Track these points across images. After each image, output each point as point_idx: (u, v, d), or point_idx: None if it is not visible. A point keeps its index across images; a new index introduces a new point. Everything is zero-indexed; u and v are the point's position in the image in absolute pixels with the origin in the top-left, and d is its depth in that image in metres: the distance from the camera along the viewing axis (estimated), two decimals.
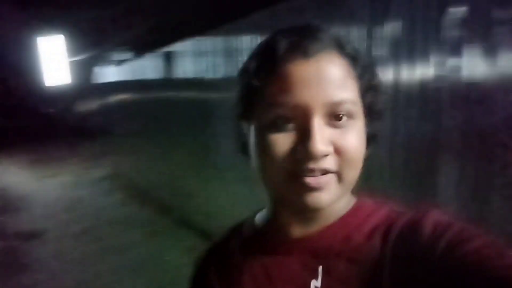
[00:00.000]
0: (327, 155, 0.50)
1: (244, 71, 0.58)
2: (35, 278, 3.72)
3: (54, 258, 4.22)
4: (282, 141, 0.52)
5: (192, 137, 4.29)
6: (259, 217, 0.68)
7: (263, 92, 0.54)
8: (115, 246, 4.33)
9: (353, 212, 0.59)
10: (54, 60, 11.36)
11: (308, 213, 0.57)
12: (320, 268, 0.55)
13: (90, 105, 10.83)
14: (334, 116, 0.52)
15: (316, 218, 0.58)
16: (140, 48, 6.48)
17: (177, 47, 4.90)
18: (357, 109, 0.53)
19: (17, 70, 12.45)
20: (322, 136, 0.50)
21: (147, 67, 5.97)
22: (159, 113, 5.36)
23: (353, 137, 0.52)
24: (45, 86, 11.92)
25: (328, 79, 0.51)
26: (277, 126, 0.52)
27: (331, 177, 0.52)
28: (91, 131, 10.41)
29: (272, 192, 0.60)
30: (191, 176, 4.66)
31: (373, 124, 0.57)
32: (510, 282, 0.40)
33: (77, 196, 6.56)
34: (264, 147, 0.53)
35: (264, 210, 0.67)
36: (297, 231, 0.59)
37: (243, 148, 0.61)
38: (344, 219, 0.58)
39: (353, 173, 0.53)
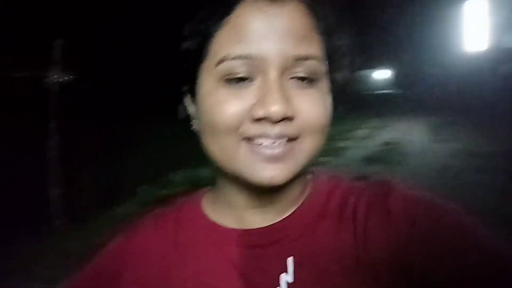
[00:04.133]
0: (286, 118, 0.44)
1: (186, 24, 0.49)
2: None
3: None
4: (235, 100, 0.44)
5: None
6: (207, 203, 0.56)
7: (212, 45, 0.46)
8: None
9: (313, 196, 0.53)
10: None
11: (264, 193, 0.49)
12: (290, 260, 0.49)
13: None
14: (296, 75, 0.45)
15: (275, 203, 0.51)
16: None
17: None
18: (322, 69, 0.47)
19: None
20: (282, 94, 0.43)
21: None
22: None
23: (316, 100, 0.46)
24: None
25: (292, 29, 0.44)
26: (229, 82, 0.45)
27: (290, 146, 0.45)
28: None
29: (223, 167, 0.48)
30: None
31: (335, 90, 0.50)
32: (477, 268, 0.40)
33: (455, 165, 5.90)
34: (214, 107, 0.45)
35: (211, 194, 0.57)
36: (256, 219, 0.51)
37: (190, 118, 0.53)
38: (307, 205, 0.52)
39: (315, 141, 0.47)
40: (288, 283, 0.47)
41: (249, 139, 0.45)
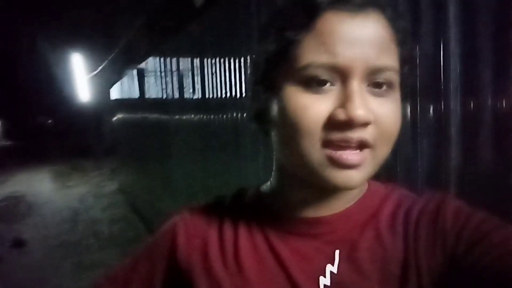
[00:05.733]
0: (366, 124, 0.45)
1: (269, 27, 0.50)
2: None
3: (27, 269, 4.08)
4: (318, 104, 0.45)
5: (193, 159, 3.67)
6: (264, 190, 0.60)
7: (294, 50, 0.46)
8: (88, 263, 4.05)
9: (368, 197, 0.55)
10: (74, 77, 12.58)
11: (328, 193, 0.52)
12: (337, 253, 0.51)
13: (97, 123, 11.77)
14: (375, 83, 0.46)
15: (331, 200, 0.53)
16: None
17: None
18: (397, 79, 0.48)
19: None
20: (363, 101, 0.44)
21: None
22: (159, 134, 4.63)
23: (393, 108, 0.47)
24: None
25: (374, 40, 0.45)
26: (312, 88, 0.46)
27: (367, 154, 0.46)
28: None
29: (296, 168, 0.50)
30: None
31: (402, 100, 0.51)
32: None
33: (84, 207, 6.48)
34: (296, 111, 0.46)
35: (267, 185, 0.60)
36: (309, 212, 0.53)
37: (258, 117, 0.54)
38: (360, 204, 0.54)
39: (387, 148, 0.48)
40: (332, 273, 0.50)
41: (329, 144, 0.45)
